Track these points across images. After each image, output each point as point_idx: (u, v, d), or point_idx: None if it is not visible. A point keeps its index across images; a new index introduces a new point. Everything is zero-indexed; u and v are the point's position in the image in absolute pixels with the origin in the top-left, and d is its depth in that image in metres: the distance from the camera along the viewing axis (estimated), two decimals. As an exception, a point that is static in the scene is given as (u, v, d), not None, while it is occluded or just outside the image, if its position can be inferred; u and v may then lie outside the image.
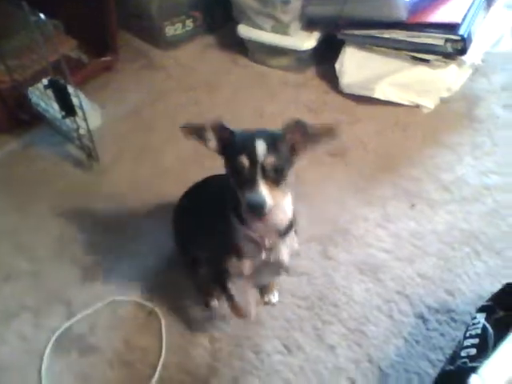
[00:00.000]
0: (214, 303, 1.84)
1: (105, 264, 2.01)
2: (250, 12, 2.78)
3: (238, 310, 1.63)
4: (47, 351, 1.77)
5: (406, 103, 2.55)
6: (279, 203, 1.27)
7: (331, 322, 1.77)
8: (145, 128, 2.57)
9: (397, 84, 2.51)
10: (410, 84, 2.50)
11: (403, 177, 2.24)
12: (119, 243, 2.07)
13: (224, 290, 1.61)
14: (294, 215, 1.43)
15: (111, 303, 1.88)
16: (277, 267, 1.48)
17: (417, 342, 1.71)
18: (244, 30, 2.86)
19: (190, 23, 3.08)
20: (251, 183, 1.19)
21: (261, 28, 2.80)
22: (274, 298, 1.84)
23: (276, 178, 1.21)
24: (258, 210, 1.19)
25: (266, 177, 1.20)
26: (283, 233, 1.39)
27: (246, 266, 1.45)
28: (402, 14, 2.40)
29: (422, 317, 1.77)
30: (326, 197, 2.19)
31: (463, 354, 1.44)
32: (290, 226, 1.40)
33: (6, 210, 2.26)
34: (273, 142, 1.22)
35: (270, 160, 1.19)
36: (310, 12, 2.65)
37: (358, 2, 2.46)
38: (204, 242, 1.65)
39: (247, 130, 1.28)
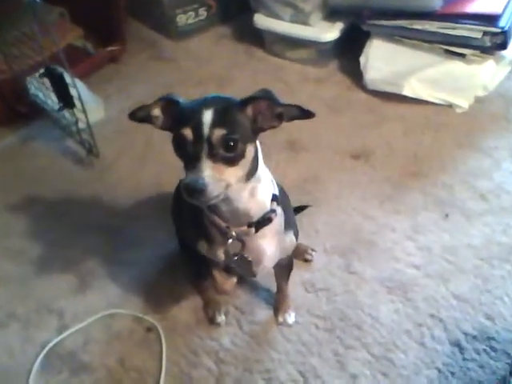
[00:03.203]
0: (221, 319, 1.65)
1: (101, 272, 1.82)
2: (268, 0, 2.58)
3: (216, 283, 1.43)
4: (35, 368, 1.58)
5: (437, 102, 2.34)
6: (242, 186, 1.07)
7: (354, 347, 1.57)
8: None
9: (428, 80, 2.30)
10: (443, 81, 2.29)
11: (434, 183, 2.03)
12: (118, 249, 1.88)
13: (199, 265, 1.43)
14: (286, 204, 1.26)
15: (107, 316, 1.69)
16: (249, 265, 1.26)
17: (452, 373, 1.49)
18: (261, 20, 2.67)
19: (203, 12, 2.91)
20: (194, 161, 0.98)
21: (279, 18, 2.61)
22: (290, 318, 1.63)
23: (227, 155, 0.99)
24: (195, 195, 0.97)
25: (212, 154, 0.97)
26: (256, 224, 1.17)
27: (218, 252, 1.25)
28: (436, 3, 2.20)
29: (458, 344, 1.56)
30: (347, 204, 1.98)
31: (511, 394, 1.23)
32: (268, 218, 1.18)
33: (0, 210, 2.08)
34: (225, 111, 1.00)
35: (219, 133, 0.97)
36: (333, 0, 2.45)
37: (386, -11, 2.26)
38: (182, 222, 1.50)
39: (197, 98, 1.06)
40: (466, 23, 2.18)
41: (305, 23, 2.54)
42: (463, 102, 2.30)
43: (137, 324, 1.67)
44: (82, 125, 2.13)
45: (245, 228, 1.17)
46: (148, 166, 2.20)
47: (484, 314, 1.62)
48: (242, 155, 1.02)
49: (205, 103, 1.01)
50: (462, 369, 1.50)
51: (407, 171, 2.09)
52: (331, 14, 2.54)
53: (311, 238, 1.85)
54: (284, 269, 1.51)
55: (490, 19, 2.15)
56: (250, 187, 1.10)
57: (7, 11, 2.36)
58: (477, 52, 2.21)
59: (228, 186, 1.01)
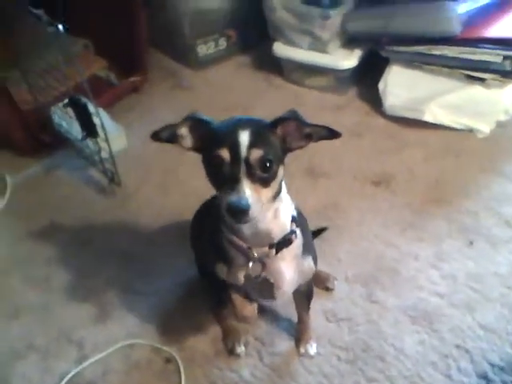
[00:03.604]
0: (241, 350, 1.62)
1: (121, 301, 1.81)
2: (287, 29, 2.62)
3: (236, 308, 1.39)
4: (54, 399, 1.57)
5: (458, 127, 2.31)
6: (268, 207, 1.06)
7: (377, 380, 1.52)
8: (173, 152, 2.36)
9: (448, 105, 2.28)
10: (464, 106, 2.26)
11: (458, 210, 1.99)
12: (139, 278, 1.88)
13: (219, 291, 1.42)
14: (304, 227, 1.24)
15: (126, 346, 1.68)
16: (271, 288, 1.25)
17: (480, 407, 1.44)
18: (280, 49, 2.69)
19: (223, 42, 2.95)
20: (233, 182, 0.98)
21: (298, 46, 2.63)
22: (312, 349, 1.59)
23: (263, 175, 1.00)
24: (240, 215, 0.98)
25: (250, 174, 0.99)
26: (277, 245, 1.16)
27: (237, 275, 1.23)
28: (455, 28, 2.18)
29: (485, 377, 1.50)
30: (369, 231, 1.95)
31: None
32: (288, 239, 1.17)
33: (21, 238, 2.10)
34: (260, 132, 1.02)
35: (256, 154, 0.98)
36: (351, 28, 2.47)
37: (405, 16, 2.27)
38: (200, 245, 1.50)
39: (228, 119, 1.07)
40: (485, 48, 2.16)
41: (323, 51, 2.55)
42: (484, 127, 2.27)
43: (155, 354, 1.65)
44: (104, 154, 2.15)
45: (266, 249, 1.17)
46: (169, 194, 2.21)
47: (511, 344, 1.56)
48: (275, 176, 1.03)
49: (239, 124, 1.02)
50: (491, 402, 1.45)
51: (429, 197, 2.06)
52: (349, 42, 2.55)
53: (333, 267, 1.83)
54: (304, 297, 1.49)
55: (510, 43, 2.13)
56: (274, 208, 1.10)
57: (34, 43, 2.43)
58: (497, 76, 2.19)
59: (263, 206, 1.02)
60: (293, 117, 1.07)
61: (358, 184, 2.16)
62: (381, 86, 2.43)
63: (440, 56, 2.25)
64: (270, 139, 1.04)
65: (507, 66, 2.15)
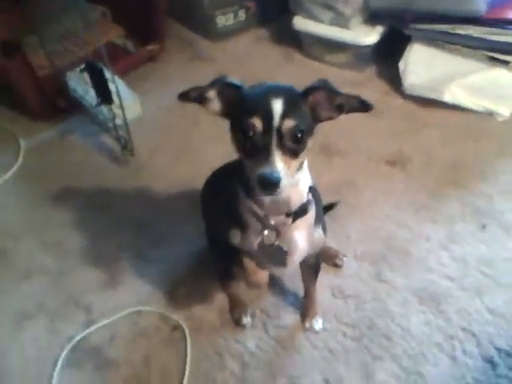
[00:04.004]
0: (247, 321, 1.63)
1: (132, 268, 1.83)
2: (308, 3, 2.57)
3: (247, 273, 1.36)
4: (60, 361, 1.60)
5: (478, 109, 2.26)
6: (293, 178, 1.04)
7: (382, 358, 1.52)
8: (187, 122, 2.38)
9: (470, 87, 2.23)
10: (485, 88, 2.22)
11: (473, 193, 1.97)
12: (150, 246, 1.89)
13: (229, 261, 1.41)
14: (317, 198, 1.23)
15: (134, 313, 1.70)
16: (283, 255, 1.23)
17: (483, 390, 1.44)
18: (300, 23, 2.64)
19: (242, 14, 2.91)
20: (264, 153, 0.96)
21: (318, 20, 2.58)
22: (317, 324, 1.60)
23: (294, 146, 0.98)
24: (271, 188, 0.96)
25: (281, 145, 0.96)
26: (294, 214, 1.15)
27: (251, 241, 1.22)
28: (481, 7, 2.13)
29: (490, 360, 1.50)
30: (381, 211, 1.94)
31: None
32: (304, 209, 1.16)
33: (37, 202, 2.11)
34: (292, 101, 0.98)
35: (289, 124, 0.96)
36: (374, 4, 2.41)
37: (430, -7, 2.20)
38: (212, 212, 1.48)
39: (258, 85, 1.04)
40: (511, 29, 2.10)
41: (344, 26, 2.50)
42: (505, 110, 2.22)
43: (163, 322, 1.67)
44: (118, 121, 2.14)
45: (282, 217, 1.15)
46: (183, 163, 2.20)
47: (519, 330, 1.56)
48: (304, 147, 1.01)
49: (271, 92, 0.99)
50: (494, 386, 1.44)
51: (445, 180, 2.03)
52: (371, 18, 2.49)
53: (342, 244, 1.82)
54: (311, 269, 1.48)
55: (538, 26, 2.07)
56: (297, 178, 1.09)
57: (52, 9, 2.42)
58: (522, 59, 2.14)
59: (291, 177, 1.00)
60: (324, 86, 1.03)
61: (373, 164, 2.13)
62: (401, 64, 2.38)
63: (464, 36, 2.20)
64: (301, 109, 1.01)
65: (532, 48, 2.10)
